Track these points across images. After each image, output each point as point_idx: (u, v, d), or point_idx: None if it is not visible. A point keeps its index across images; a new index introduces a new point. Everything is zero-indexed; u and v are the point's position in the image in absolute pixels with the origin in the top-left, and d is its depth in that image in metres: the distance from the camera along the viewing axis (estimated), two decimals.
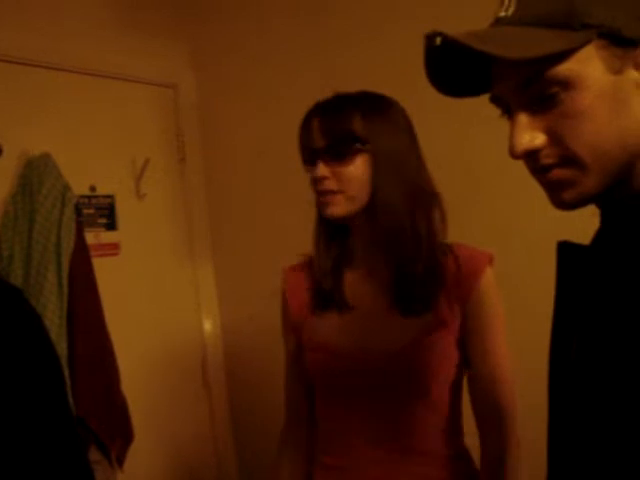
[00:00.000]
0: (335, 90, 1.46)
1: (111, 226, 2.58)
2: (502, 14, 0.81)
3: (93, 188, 2.52)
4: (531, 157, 0.81)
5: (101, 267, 2.38)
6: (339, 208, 1.38)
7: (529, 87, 0.79)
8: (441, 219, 1.41)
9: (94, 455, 2.18)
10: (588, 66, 0.76)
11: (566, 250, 0.88)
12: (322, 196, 1.39)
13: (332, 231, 1.47)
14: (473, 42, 0.77)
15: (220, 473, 2.88)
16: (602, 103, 0.76)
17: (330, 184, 1.37)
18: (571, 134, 0.77)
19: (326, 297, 1.46)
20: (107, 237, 2.56)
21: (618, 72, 0.76)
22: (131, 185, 2.67)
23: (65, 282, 2.18)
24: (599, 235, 0.86)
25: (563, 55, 0.76)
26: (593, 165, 0.77)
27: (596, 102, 0.76)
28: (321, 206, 1.40)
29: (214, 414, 2.88)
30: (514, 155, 0.81)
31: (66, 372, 2.08)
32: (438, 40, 0.82)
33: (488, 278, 1.37)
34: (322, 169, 1.36)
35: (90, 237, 2.42)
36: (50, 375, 1.55)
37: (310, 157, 1.41)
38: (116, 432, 2.29)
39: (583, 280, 0.83)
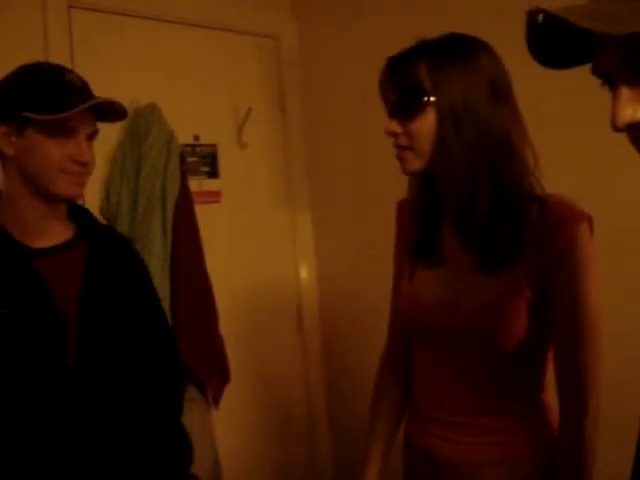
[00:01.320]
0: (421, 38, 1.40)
1: (213, 174, 2.65)
2: None
3: (197, 137, 2.59)
4: (633, 130, 0.80)
5: (203, 214, 2.46)
6: (410, 165, 1.36)
7: (632, 61, 0.77)
8: (521, 170, 1.33)
9: (191, 393, 2.29)
10: None
11: None
12: (397, 151, 1.37)
13: (426, 182, 1.44)
14: (577, 19, 0.75)
15: (311, 417, 2.98)
16: None
17: (400, 140, 1.35)
18: None
19: (421, 250, 1.46)
20: (209, 185, 2.64)
21: None
22: (233, 134, 2.74)
23: (169, 228, 2.27)
24: None
25: None
26: None
27: None
28: (401, 162, 1.39)
29: (307, 360, 2.97)
30: (616, 128, 0.80)
31: (168, 313, 2.19)
32: (540, 17, 0.82)
33: (577, 242, 1.26)
34: (392, 125, 1.35)
35: (193, 185, 2.50)
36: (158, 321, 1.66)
37: (388, 111, 1.39)
38: (213, 372, 2.40)
39: None
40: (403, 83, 1.33)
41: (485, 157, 1.32)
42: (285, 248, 2.95)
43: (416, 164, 1.36)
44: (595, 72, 0.84)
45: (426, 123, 1.32)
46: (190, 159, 2.56)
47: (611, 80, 0.82)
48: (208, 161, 2.64)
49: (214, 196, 2.65)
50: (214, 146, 2.66)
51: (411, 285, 1.48)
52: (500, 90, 1.34)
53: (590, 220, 1.29)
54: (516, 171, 1.33)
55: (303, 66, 2.96)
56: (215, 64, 2.69)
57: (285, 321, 2.93)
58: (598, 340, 1.29)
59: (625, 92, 0.79)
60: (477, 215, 1.33)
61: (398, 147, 1.36)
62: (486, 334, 1.33)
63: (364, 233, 2.81)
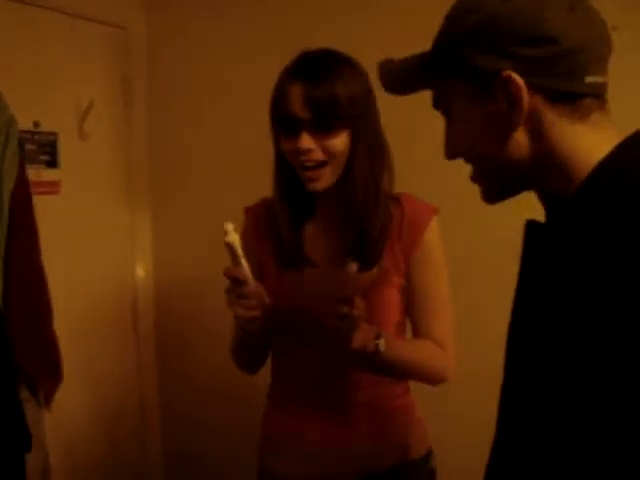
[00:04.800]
0: (302, 48, 1.44)
1: (52, 164, 2.53)
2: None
3: (37, 124, 2.46)
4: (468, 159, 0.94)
5: (40, 205, 2.33)
6: (327, 180, 1.39)
7: (438, 105, 0.95)
8: (389, 171, 1.47)
9: (23, 393, 2.16)
10: (454, 100, 0.89)
11: (531, 228, 0.95)
12: (308, 171, 1.38)
13: (294, 192, 1.48)
14: (385, 83, 0.97)
15: (143, 418, 2.92)
16: (473, 127, 0.89)
17: (317, 155, 1.36)
18: (453, 148, 0.93)
19: (289, 257, 1.49)
20: (48, 175, 2.51)
21: (481, 103, 0.87)
22: (75, 125, 2.62)
23: (5, 218, 2.13)
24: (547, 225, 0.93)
25: (433, 91, 0.93)
26: (480, 171, 0.93)
27: (468, 126, 0.89)
28: (307, 181, 1.40)
29: (141, 361, 2.91)
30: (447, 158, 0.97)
31: None
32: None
33: (432, 232, 1.46)
34: (308, 141, 1.35)
35: (31, 174, 2.35)
36: None
37: (291, 127, 1.38)
38: (45, 371, 2.28)
39: (545, 255, 0.90)
40: (322, 99, 1.33)
41: (379, 160, 1.43)
42: (122, 246, 2.88)
43: (332, 179, 1.40)
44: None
45: (343, 138, 1.37)
46: (29, 146, 2.42)
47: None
48: (48, 150, 2.51)
49: (53, 186, 2.52)
50: (55, 135, 2.53)
51: (282, 288, 1.50)
52: (373, 96, 1.44)
53: (436, 211, 1.48)
54: (386, 172, 1.46)
55: (150, 61, 2.90)
56: (59, 50, 2.55)
57: (120, 321, 2.85)
58: (448, 313, 1.51)
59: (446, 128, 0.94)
60: (375, 219, 1.42)
61: (310, 165, 1.37)
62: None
63: (204, 235, 2.78)
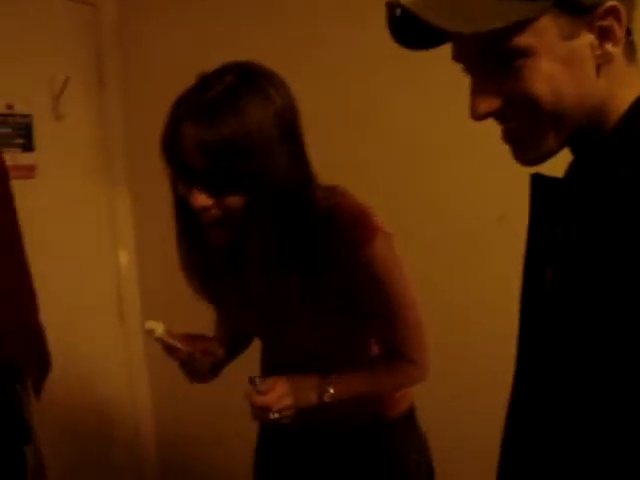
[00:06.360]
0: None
1: (28, 147, 2.43)
2: None
3: (10, 106, 2.36)
4: (495, 117, 0.84)
5: (16, 190, 2.24)
6: (228, 238, 1.26)
7: (487, 56, 0.81)
8: (313, 203, 1.28)
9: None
10: (545, 35, 0.78)
11: (539, 182, 0.91)
12: (207, 228, 1.23)
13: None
14: (431, 17, 0.78)
15: (135, 407, 2.86)
16: (558, 67, 0.79)
17: (214, 214, 1.19)
18: (530, 97, 0.79)
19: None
20: (23, 159, 2.42)
21: (572, 37, 0.79)
22: (50, 105, 2.53)
23: None
24: (571, 171, 0.89)
25: (521, 25, 0.77)
26: (552, 124, 0.81)
27: (553, 67, 0.79)
28: (208, 237, 1.26)
29: (130, 350, 2.85)
30: (474, 118, 0.84)
31: None
32: (398, 12, 0.83)
33: (373, 250, 1.27)
34: (202, 198, 1.16)
35: (6, 158, 2.27)
36: None
37: (184, 173, 1.19)
38: (34, 362, 2.21)
39: (556, 212, 0.86)
40: (220, 152, 1.13)
41: (287, 210, 1.24)
42: (103, 229, 2.79)
43: (231, 237, 1.25)
44: (454, 59, 0.87)
45: (242, 196, 1.18)
46: (2, 130, 2.32)
47: (468, 70, 0.85)
48: (22, 133, 2.41)
49: (28, 170, 2.43)
50: (29, 117, 2.43)
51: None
52: (293, 123, 1.25)
53: (378, 229, 1.28)
54: (310, 205, 1.28)
55: (123, 37, 2.80)
56: (30, 28, 2.45)
57: (105, 308, 2.78)
58: (410, 325, 1.37)
59: (481, 84, 0.83)
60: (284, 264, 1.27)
61: (207, 220, 1.20)
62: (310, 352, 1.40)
63: None
